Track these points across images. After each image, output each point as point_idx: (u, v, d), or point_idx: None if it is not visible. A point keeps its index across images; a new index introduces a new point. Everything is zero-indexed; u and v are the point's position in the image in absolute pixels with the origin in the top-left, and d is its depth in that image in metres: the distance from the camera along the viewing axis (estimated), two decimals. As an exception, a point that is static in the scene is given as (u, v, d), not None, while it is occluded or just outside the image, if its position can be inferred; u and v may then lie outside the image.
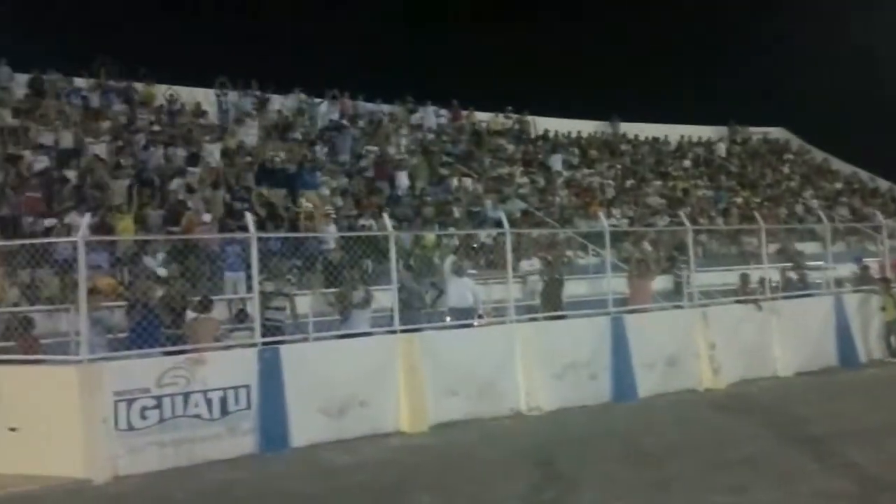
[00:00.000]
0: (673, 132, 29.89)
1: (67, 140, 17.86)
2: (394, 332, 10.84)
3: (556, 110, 27.70)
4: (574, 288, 14.95)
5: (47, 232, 14.06)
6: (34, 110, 18.60)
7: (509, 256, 11.90)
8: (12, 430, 8.95)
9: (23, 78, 19.77)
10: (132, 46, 24.64)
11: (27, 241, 11.79)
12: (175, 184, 17.12)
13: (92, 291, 9.60)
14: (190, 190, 16.94)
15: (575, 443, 9.61)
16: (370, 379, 10.37)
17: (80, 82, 20.38)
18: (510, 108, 26.91)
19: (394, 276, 11.14)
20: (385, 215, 11.90)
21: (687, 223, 14.15)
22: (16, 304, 12.14)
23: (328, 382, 10.09)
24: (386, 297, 12.31)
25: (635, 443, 9.43)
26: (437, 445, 9.73)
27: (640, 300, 13.40)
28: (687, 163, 27.74)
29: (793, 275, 15.84)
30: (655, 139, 29.23)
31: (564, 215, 19.98)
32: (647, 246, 17.99)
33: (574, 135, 27.32)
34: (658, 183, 24.81)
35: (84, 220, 9.85)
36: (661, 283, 15.28)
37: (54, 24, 29.46)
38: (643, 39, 37.48)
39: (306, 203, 17.10)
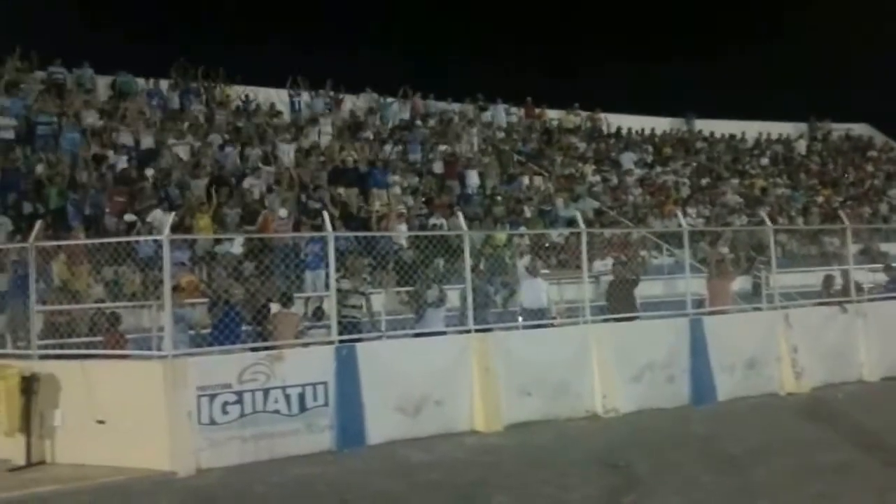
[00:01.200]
0: (750, 129, 29.14)
1: (148, 140, 18.47)
2: (467, 331, 10.87)
3: (628, 108, 27.38)
4: (648, 288, 14.73)
5: (129, 230, 14.61)
6: (116, 112, 19.29)
7: (584, 256, 11.78)
8: (100, 422, 9.30)
9: (105, 80, 20.51)
10: (210, 49, 25.27)
11: (112, 240, 12.22)
12: (250, 183, 17.55)
13: (175, 289, 9.90)
14: (266, 189, 17.34)
15: (653, 446, 9.46)
16: (444, 378, 10.42)
17: (160, 84, 21.02)
18: (581, 105, 26.69)
19: (467, 276, 11.17)
20: (459, 214, 11.93)
21: (768, 222, 13.80)
22: (99, 301, 12.63)
23: (403, 380, 10.19)
24: (457, 296, 12.43)
25: (717, 447, 9.24)
26: (512, 445, 9.72)
27: (720, 301, 13.11)
28: (765, 160, 27.02)
29: (882, 276, 15.27)
30: (732, 136, 28.56)
31: (638, 214, 19.70)
32: (722, 247, 17.60)
33: (647, 132, 26.91)
34: (735, 181, 24.23)
35: (168, 219, 10.16)
36: (738, 284, 14.92)
37: (136, 27, 30.51)
38: (716, 33, 36.68)
39: (380, 203, 17.29)
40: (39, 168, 16.00)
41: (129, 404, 9.20)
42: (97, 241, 12.22)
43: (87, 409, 9.36)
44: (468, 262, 11.23)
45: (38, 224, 10.84)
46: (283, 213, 15.88)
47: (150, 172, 17.01)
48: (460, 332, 10.94)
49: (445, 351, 10.64)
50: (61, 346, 10.31)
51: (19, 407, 9.37)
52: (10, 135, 17.12)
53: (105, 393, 9.36)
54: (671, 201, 20.89)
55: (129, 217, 14.87)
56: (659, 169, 24.10)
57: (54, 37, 23.23)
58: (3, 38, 20.16)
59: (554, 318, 13.04)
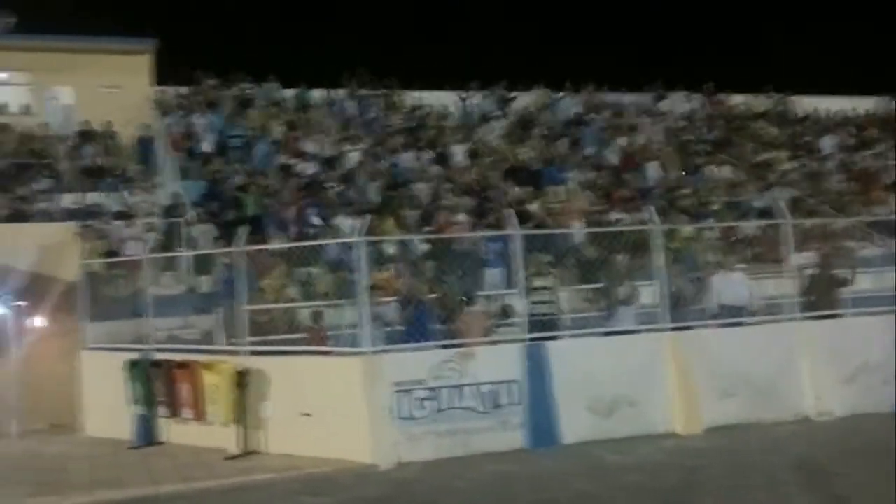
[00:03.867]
0: (970, 105, 26.43)
1: (329, 148, 19.57)
2: (662, 329, 10.70)
3: (823, 88, 25.66)
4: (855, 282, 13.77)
5: (316, 234, 15.58)
6: (301, 122, 20.59)
7: (791, 248, 11.23)
8: (306, 415, 10.02)
9: (291, 93, 21.95)
10: (383, 57, 26.37)
11: (309, 244, 13.11)
12: (424, 185, 18.14)
13: (371, 287, 10.46)
14: (440, 190, 17.86)
15: (876, 454, 8.87)
16: (638, 377, 10.35)
17: (338, 94, 22.19)
18: (770, 88, 25.35)
19: (661, 272, 11.00)
20: (651, 208, 11.75)
21: None
22: (292, 300, 13.57)
23: (596, 380, 10.22)
24: (647, 294, 12.23)
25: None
26: (714, 449, 9.47)
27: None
28: None
29: None
30: (947, 113, 26.05)
31: (840, 202, 18.47)
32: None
33: (848, 113, 25.12)
34: (952, 163, 22.10)
35: (362, 222, 10.74)
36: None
37: (312, 41, 32.39)
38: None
39: (556, 200, 17.33)
40: (236, 178, 17.37)
41: (331, 398, 9.87)
42: (295, 244, 13.13)
43: (293, 402, 10.12)
44: (660, 257, 11.06)
45: (243, 230, 11.83)
46: (458, 217, 16.26)
47: (333, 178, 18.01)
48: (654, 331, 10.78)
49: (639, 350, 10.54)
50: (265, 343, 11.18)
51: (233, 400, 10.30)
52: (211, 148, 18.73)
53: (309, 387, 10.09)
54: (879, 187, 19.40)
55: (317, 220, 15.81)
56: (863, 153, 22.43)
57: (245, 56, 25.10)
58: (200, 59, 22.21)
59: (753, 314, 12.49)
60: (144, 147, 19.11)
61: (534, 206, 17.30)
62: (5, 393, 13.31)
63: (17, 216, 15.91)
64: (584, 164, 20.09)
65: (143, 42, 21.32)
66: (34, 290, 14.00)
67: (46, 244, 14.58)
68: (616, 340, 10.84)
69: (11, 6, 21.73)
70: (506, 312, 11.29)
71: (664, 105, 24.23)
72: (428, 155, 19.56)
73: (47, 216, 16.14)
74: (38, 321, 14.29)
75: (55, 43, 20.83)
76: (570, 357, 10.31)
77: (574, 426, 10.03)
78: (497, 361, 10.15)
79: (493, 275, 14.13)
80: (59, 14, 24.03)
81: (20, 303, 13.72)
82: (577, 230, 15.38)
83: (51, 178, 17.75)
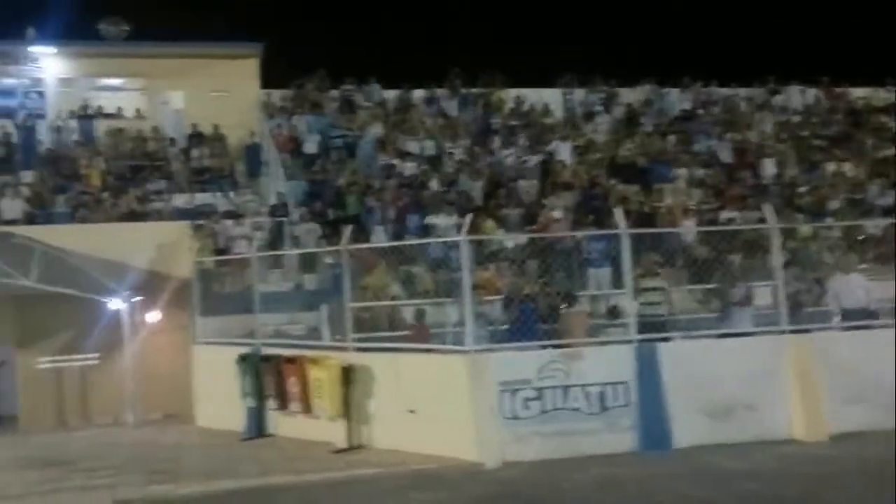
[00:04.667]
0: None
1: (430, 147, 19.77)
2: (781, 332, 10.31)
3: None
4: None
5: (418, 232, 15.78)
6: (401, 122, 20.88)
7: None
8: (411, 412, 10.13)
9: (392, 93, 22.30)
10: (484, 55, 26.45)
11: (412, 242, 13.29)
12: (528, 183, 18.07)
13: (474, 286, 10.48)
14: (544, 189, 17.76)
15: None
16: (756, 381, 9.99)
17: (439, 93, 22.39)
18: (892, 80, 24.05)
19: (778, 273, 10.62)
20: (767, 207, 11.34)
21: None
22: (395, 298, 13.76)
23: (710, 383, 9.93)
24: (761, 295, 11.83)
25: None
26: (841, 458, 9.02)
27: None
28: None
29: None
30: None
31: (977, 200, 17.37)
32: None
33: None
34: None
35: (464, 221, 10.77)
36: None
37: (416, 41, 32.80)
38: None
39: (665, 198, 16.98)
40: (340, 178, 17.77)
41: (436, 396, 9.95)
42: (398, 243, 13.31)
43: (398, 398, 10.26)
44: (778, 257, 10.67)
45: (348, 229, 12.09)
46: (557, 213, 16.11)
47: (433, 177, 18.18)
48: (773, 333, 10.40)
49: (756, 353, 10.18)
50: (369, 340, 11.38)
51: (340, 395, 10.53)
52: (314, 149, 19.24)
53: (413, 384, 10.21)
54: None
55: (419, 219, 16.00)
56: None
57: (346, 57, 25.67)
58: (305, 62, 22.86)
59: (877, 317, 11.88)
60: (251, 149, 19.76)
61: (641, 205, 17.01)
62: (123, 384, 14.00)
63: (133, 216, 16.76)
64: (693, 161, 19.60)
65: (250, 46, 22.06)
66: (149, 286, 14.69)
67: (161, 242, 15.29)
68: (732, 342, 10.50)
69: (125, 14, 22.92)
70: (613, 313, 11.13)
71: (779, 99, 23.39)
72: (530, 152, 19.48)
73: (161, 216, 16.94)
74: (154, 316, 14.99)
75: (167, 49, 21.82)
76: (683, 359, 10.06)
77: (687, 430, 9.76)
78: (605, 362, 10.00)
79: (598, 274, 13.94)
80: (171, 21, 25.16)
81: (137, 298, 14.40)
82: (688, 229, 15.01)
83: (164, 179, 18.62)
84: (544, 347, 10.24)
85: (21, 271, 12.98)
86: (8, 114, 21.06)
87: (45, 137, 19.80)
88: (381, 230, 16.02)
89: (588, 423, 9.73)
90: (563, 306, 11.19)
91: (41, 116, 20.60)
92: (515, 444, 9.54)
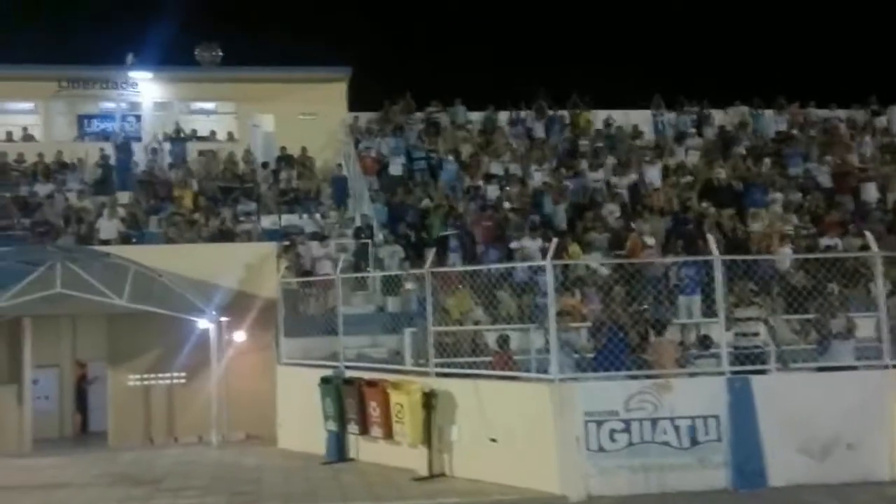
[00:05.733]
0: None
1: (515, 169, 19.74)
2: (885, 366, 9.82)
3: None
4: None
5: (502, 256, 15.72)
6: (486, 145, 20.95)
7: None
8: (493, 440, 10.04)
9: (477, 116, 22.43)
10: (571, 77, 26.34)
11: (496, 266, 13.25)
12: (613, 207, 17.82)
13: (559, 313, 10.35)
14: (632, 212, 17.48)
15: None
16: (857, 418, 9.55)
17: (524, 115, 22.39)
18: None
19: (881, 303, 10.14)
20: (870, 233, 10.86)
21: None
22: (478, 323, 13.69)
23: (807, 418, 9.53)
24: (864, 326, 11.29)
25: None
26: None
27: None
28: None
29: None
30: None
31: None
32: None
33: None
34: None
35: (549, 245, 10.67)
36: None
37: (502, 63, 33.01)
38: None
39: (759, 223, 16.46)
40: (424, 201, 17.91)
41: (519, 425, 9.83)
42: (481, 267, 13.28)
43: (479, 426, 10.18)
44: (881, 286, 10.19)
45: (431, 252, 12.13)
46: (650, 240, 15.79)
47: (517, 200, 18.12)
48: (875, 367, 9.91)
49: (859, 388, 9.74)
50: (451, 365, 11.34)
51: (421, 421, 10.51)
52: (398, 171, 19.50)
53: (496, 412, 10.11)
54: None
55: (512, 244, 15.95)
56: None
57: (432, 80, 25.97)
58: (390, 86, 23.29)
59: None
60: (339, 180, 20.05)
61: (734, 230, 16.55)
62: (208, 403, 14.35)
63: (223, 236, 17.27)
64: (790, 185, 18.99)
65: (339, 70, 22.61)
66: (236, 306, 15.06)
67: (248, 263, 15.69)
68: (832, 377, 10.05)
69: (219, 40, 23.83)
70: (704, 343, 10.81)
71: (881, 121, 22.48)
72: (618, 175, 19.24)
73: (249, 236, 17.40)
74: (240, 336, 15.34)
75: (258, 74, 22.60)
76: (779, 393, 9.69)
77: (783, 467, 9.40)
78: (696, 394, 9.72)
79: (689, 302, 13.59)
80: (262, 46, 26.01)
81: (224, 318, 14.78)
82: (784, 256, 14.50)
83: (252, 200, 19.15)
84: (633, 377, 10.02)
85: (115, 290, 13.51)
86: (106, 137, 22.14)
87: (140, 160, 20.66)
88: (464, 253, 16.06)
89: (678, 457, 9.46)
90: (652, 335, 10.93)
91: (137, 139, 21.53)
92: (600, 478, 9.34)
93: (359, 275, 15.31)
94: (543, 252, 12.97)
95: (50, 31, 31.90)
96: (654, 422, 9.51)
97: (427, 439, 10.53)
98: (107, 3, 35.60)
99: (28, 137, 22.11)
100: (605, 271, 14.59)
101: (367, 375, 11.75)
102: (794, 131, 21.95)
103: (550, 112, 22.42)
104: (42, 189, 18.91)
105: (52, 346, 18.01)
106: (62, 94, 22.36)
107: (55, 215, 17.59)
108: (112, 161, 20.20)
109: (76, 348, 19.03)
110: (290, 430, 13.36)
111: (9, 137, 21.86)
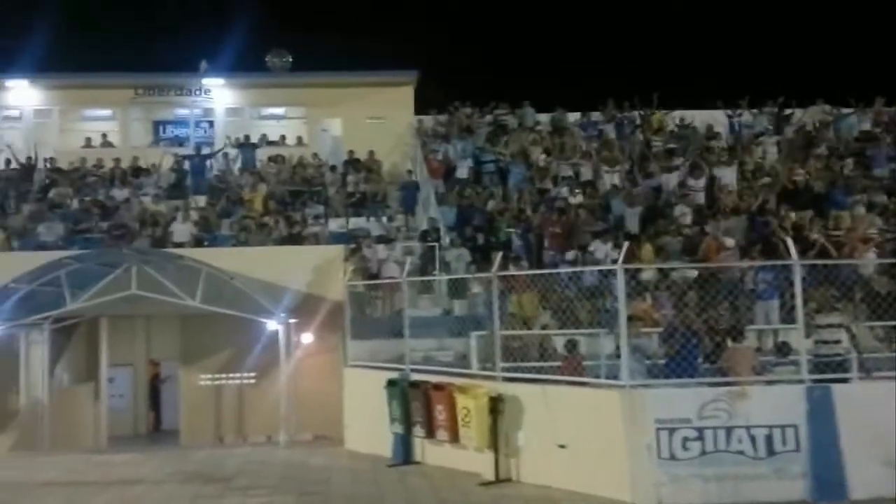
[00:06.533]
0: None
1: (586, 172, 19.56)
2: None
3: None
4: None
5: (571, 260, 15.60)
6: (555, 147, 20.82)
7: None
8: (561, 446, 9.96)
9: (545, 117, 22.34)
10: (642, 76, 26.05)
11: (564, 270, 13.16)
12: (685, 209, 17.47)
13: (630, 318, 10.21)
14: (707, 215, 17.12)
15: None
16: (948, 431, 9.13)
17: (595, 116, 22.20)
18: None
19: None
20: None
21: None
22: (546, 327, 13.60)
23: (891, 429, 9.16)
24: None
25: None
26: None
27: None
28: None
29: None
30: None
31: None
32: None
33: None
34: None
35: (620, 249, 10.54)
36: None
37: (570, 64, 32.83)
38: None
39: (843, 226, 15.97)
40: (490, 203, 17.91)
41: (588, 431, 9.73)
42: (550, 271, 13.20)
43: (547, 431, 10.11)
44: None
45: (498, 255, 12.12)
46: (729, 241, 15.45)
47: (587, 203, 17.95)
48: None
49: (949, 399, 9.30)
50: (518, 370, 11.30)
51: (488, 425, 10.50)
52: (465, 174, 19.55)
53: (564, 417, 10.03)
54: None
55: (572, 246, 15.84)
56: None
57: (499, 81, 25.99)
58: (457, 88, 23.40)
59: None
60: (408, 187, 20.16)
61: (815, 233, 16.05)
62: (277, 404, 14.63)
63: (292, 239, 17.61)
64: (873, 187, 18.33)
65: (405, 74, 22.84)
66: (304, 308, 15.33)
67: (316, 265, 15.96)
68: (919, 387, 9.65)
69: (288, 46, 24.34)
70: (782, 350, 10.53)
71: (976, 118, 21.54)
72: (692, 177, 18.87)
73: (317, 239, 17.70)
74: (307, 337, 15.60)
75: (326, 79, 22.99)
76: (861, 402, 9.38)
77: (865, 480, 9.06)
78: (773, 403, 9.48)
79: (767, 308, 13.25)
80: (330, 51, 26.44)
81: (292, 320, 15.06)
82: (868, 260, 14.01)
83: (320, 203, 19.46)
84: (707, 385, 9.81)
85: (188, 292, 13.90)
86: (180, 142, 22.83)
87: (213, 164, 21.21)
88: (532, 257, 15.98)
89: (753, 467, 9.23)
90: (728, 341, 10.68)
91: (210, 145, 22.14)
92: (672, 487, 9.17)
93: (425, 278, 15.40)
94: (615, 256, 12.82)
95: (126, 41, 33.08)
96: (728, 430, 9.30)
97: (494, 444, 10.50)
98: (181, 12, 36.77)
99: (106, 143, 23.00)
100: (681, 275, 14.36)
101: (433, 379, 11.79)
102: (879, 131, 21.17)
103: (621, 113, 22.17)
104: (119, 193, 19.62)
105: (126, 346, 18.68)
106: (138, 100, 23.18)
107: (131, 219, 18.22)
108: (186, 166, 20.79)
109: (150, 348, 19.70)
110: (357, 431, 13.50)
111: (88, 143, 22.78)
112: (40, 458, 13.83)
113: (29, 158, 20.79)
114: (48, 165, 21.16)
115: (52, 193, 19.65)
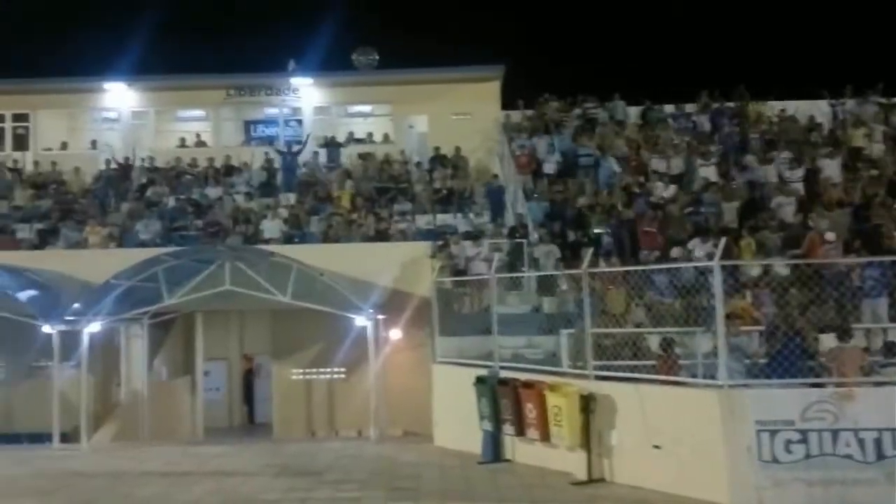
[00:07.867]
0: None
1: (678, 165, 19.12)
2: None
3: None
4: None
5: (665, 256, 15.26)
6: (647, 140, 20.44)
7: None
8: (656, 447, 9.78)
9: (636, 110, 21.97)
10: (738, 66, 25.35)
11: (658, 266, 12.90)
12: (784, 202, 16.90)
13: (728, 316, 9.94)
14: (808, 209, 16.51)
15: None
16: None
17: (689, 108, 21.70)
18: None
19: None
20: None
21: None
22: (639, 325, 13.36)
23: None
24: None
25: None
26: None
27: None
28: None
29: None
30: None
31: None
32: None
33: None
34: None
35: (717, 245, 10.27)
36: None
37: (662, 57, 32.17)
38: None
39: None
40: (581, 199, 17.72)
41: (684, 432, 9.52)
42: (643, 267, 12.96)
43: (642, 432, 9.95)
44: None
45: (589, 252, 11.97)
46: (830, 235, 14.90)
47: (683, 197, 17.54)
48: None
49: None
50: (610, 368, 11.14)
51: (579, 424, 10.40)
52: (553, 169, 19.40)
53: (659, 417, 9.84)
54: None
55: (664, 242, 15.52)
56: None
57: (586, 75, 25.71)
58: (543, 82, 23.21)
59: None
60: (494, 191, 19.97)
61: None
62: (367, 399, 14.84)
63: (379, 236, 17.83)
64: None
65: (491, 69, 22.80)
66: (392, 304, 15.51)
67: (403, 262, 16.12)
68: None
69: (375, 44, 24.65)
70: (892, 350, 10.08)
71: None
72: (792, 169, 18.24)
73: (404, 236, 17.87)
74: (396, 334, 15.76)
75: (412, 76, 23.16)
76: (982, 407, 8.86)
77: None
78: (882, 405, 9.06)
79: (874, 306, 12.71)
80: (416, 48, 26.63)
81: (381, 316, 15.24)
82: None
83: (407, 200, 19.64)
84: (812, 385, 9.48)
85: (279, 288, 14.25)
86: (270, 141, 23.41)
87: (301, 162, 21.67)
88: (625, 253, 15.73)
89: (861, 472, 8.88)
90: (829, 341, 10.29)
91: (299, 142, 22.63)
92: (773, 490, 8.90)
93: (514, 275, 15.34)
94: (710, 254, 12.48)
95: (217, 43, 34.10)
96: (834, 433, 8.98)
97: (586, 443, 10.39)
98: (269, 13, 37.66)
99: (200, 143, 23.79)
100: (780, 272, 13.90)
101: (522, 376, 11.74)
102: None
103: (716, 104, 21.61)
104: (212, 192, 20.26)
105: (221, 340, 19.30)
106: (230, 101, 23.88)
107: (224, 216, 18.78)
108: (276, 164, 21.29)
109: (243, 343, 20.29)
110: (447, 428, 13.57)
111: (182, 143, 23.61)
112: (140, 449, 14.43)
113: (127, 158, 21.64)
114: (145, 165, 22.01)
115: (149, 192, 20.44)
